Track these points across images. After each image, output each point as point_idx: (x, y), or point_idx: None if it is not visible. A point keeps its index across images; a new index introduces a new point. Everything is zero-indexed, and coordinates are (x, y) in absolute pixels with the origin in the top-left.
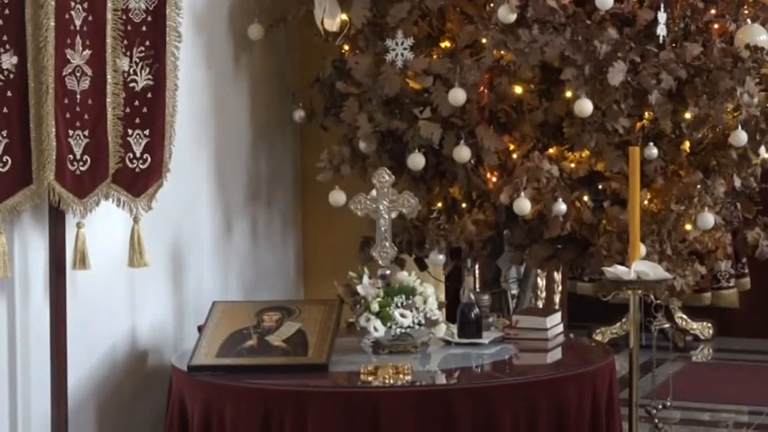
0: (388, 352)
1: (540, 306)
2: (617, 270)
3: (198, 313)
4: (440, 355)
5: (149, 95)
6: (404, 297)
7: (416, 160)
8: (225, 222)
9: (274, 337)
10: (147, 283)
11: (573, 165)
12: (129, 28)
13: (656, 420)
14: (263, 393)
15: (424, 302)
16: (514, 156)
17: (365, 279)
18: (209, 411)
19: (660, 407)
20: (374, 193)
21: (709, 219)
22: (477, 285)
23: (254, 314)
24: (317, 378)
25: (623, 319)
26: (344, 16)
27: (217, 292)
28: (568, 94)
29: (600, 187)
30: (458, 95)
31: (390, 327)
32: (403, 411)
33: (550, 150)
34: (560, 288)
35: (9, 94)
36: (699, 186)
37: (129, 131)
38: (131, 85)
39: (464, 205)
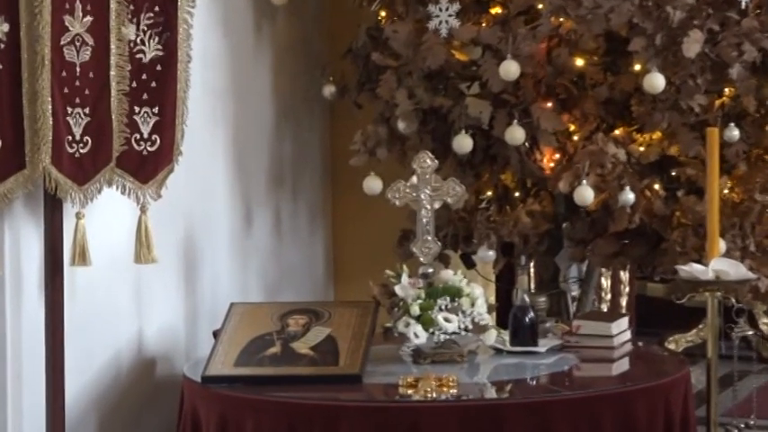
0: (431, 361)
1: (605, 310)
2: (693, 269)
3: (213, 316)
4: (489, 366)
5: (159, 68)
6: (448, 299)
7: (463, 142)
8: (244, 213)
9: (300, 344)
10: (156, 282)
11: (642, 148)
12: None
13: None
14: (287, 408)
15: (472, 305)
16: (575, 138)
17: (404, 278)
18: (225, 428)
19: (742, 426)
20: (415, 179)
21: None
22: (533, 286)
23: (277, 318)
24: (349, 391)
25: (700, 326)
26: None
27: (235, 293)
28: (637, 67)
29: (673, 174)
30: (510, 69)
31: (433, 333)
32: (447, 429)
33: (616, 132)
34: (627, 289)
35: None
36: None
37: (136, 109)
38: (138, 56)
39: (517, 194)
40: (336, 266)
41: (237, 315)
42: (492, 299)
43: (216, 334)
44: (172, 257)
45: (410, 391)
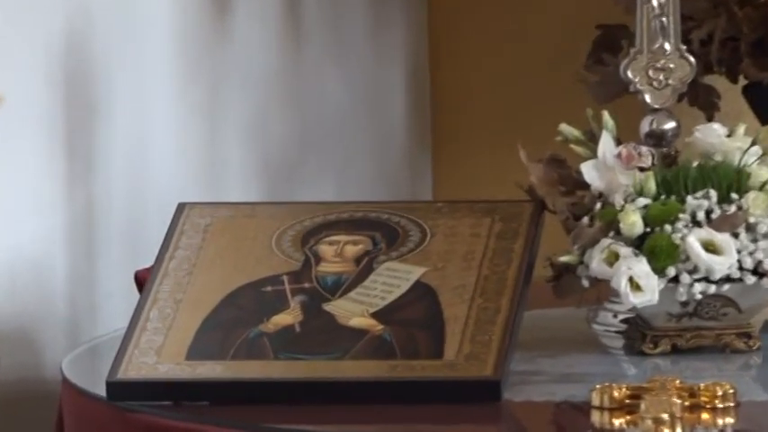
0: (671, 347)
1: None
2: None
3: (134, 238)
4: None
5: None
6: (715, 196)
7: None
8: None
9: (350, 306)
10: (8, 156)
11: None
12: None
13: None
14: None
15: None
16: None
17: (606, 142)
18: None
19: None
20: None
21: None
22: None
23: (291, 241)
24: (471, 419)
25: None
26: None
27: (189, 181)
28: None
29: None
30: None
31: (677, 278)
32: None
33: None
34: None
35: None
36: None
37: None
38: None
39: None
40: (436, 116)
41: (197, 234)
42: None
43: (142, 279)
44: (44, 101)
45: (619, 422)
